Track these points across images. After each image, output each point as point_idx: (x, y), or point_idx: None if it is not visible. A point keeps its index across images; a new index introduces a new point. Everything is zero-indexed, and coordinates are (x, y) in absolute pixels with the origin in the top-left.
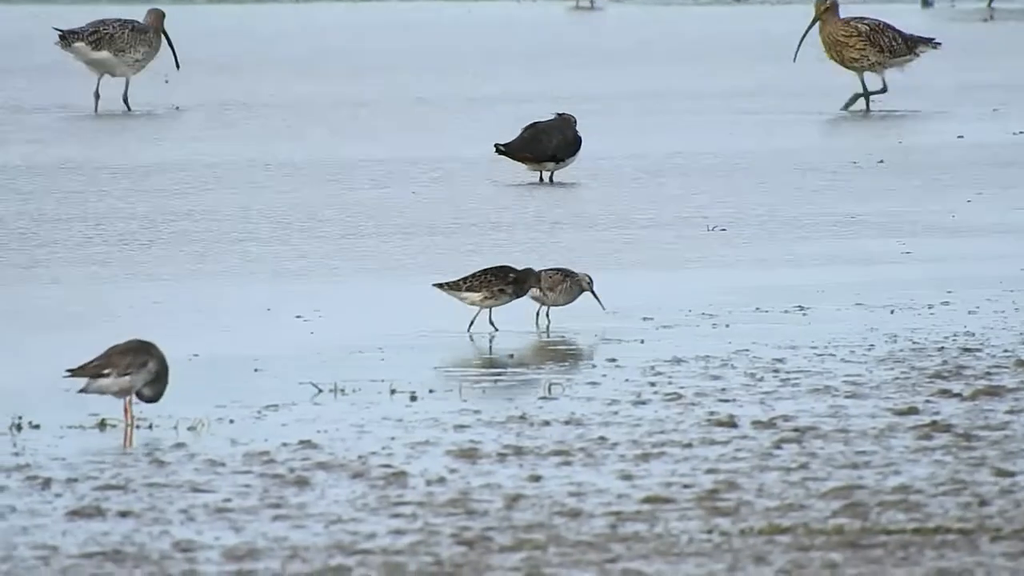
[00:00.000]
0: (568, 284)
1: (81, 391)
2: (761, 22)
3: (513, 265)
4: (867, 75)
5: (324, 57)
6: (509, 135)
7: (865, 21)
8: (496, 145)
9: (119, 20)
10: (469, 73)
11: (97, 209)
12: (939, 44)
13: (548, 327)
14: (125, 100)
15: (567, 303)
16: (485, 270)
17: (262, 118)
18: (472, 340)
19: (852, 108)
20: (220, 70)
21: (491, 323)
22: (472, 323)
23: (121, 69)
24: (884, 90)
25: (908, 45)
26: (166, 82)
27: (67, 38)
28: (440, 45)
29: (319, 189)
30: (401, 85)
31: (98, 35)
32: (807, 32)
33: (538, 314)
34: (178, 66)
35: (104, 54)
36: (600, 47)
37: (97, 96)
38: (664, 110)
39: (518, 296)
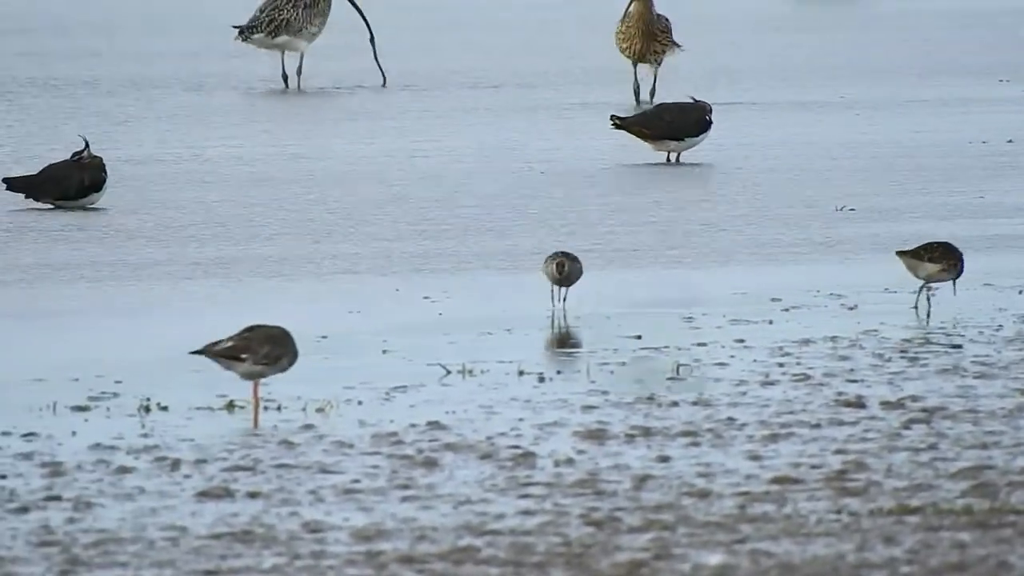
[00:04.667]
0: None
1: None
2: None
3: (952, 243)
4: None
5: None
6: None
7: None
8: (612, 117)
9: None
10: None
11: (217, 197)
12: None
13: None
14: (298, 73)
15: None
16: (939, 243)
17: (396, 114)
18: (602, 320)
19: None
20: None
21: (923, 300)
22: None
23: (299, 46)
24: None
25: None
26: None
27: (245, 32)
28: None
29: (443, 178)
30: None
31: (274, 23)
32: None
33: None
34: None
35: (284, 38)
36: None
37: (285, 76)
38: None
39: (959, 276)
